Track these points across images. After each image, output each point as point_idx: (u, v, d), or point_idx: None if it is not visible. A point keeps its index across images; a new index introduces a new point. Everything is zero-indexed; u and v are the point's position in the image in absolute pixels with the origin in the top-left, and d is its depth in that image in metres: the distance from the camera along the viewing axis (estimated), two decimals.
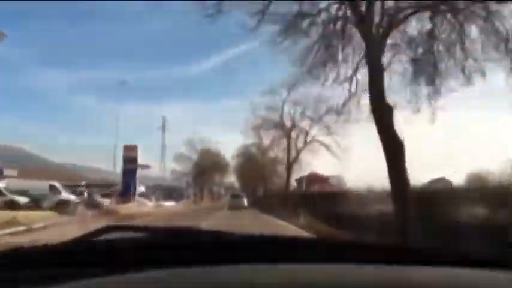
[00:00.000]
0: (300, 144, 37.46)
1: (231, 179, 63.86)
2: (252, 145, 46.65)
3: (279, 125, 37.84)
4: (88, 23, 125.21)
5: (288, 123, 37.48)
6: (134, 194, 37.63)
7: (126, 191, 36.55)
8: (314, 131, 36.46)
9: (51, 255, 0.99)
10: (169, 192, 56.27)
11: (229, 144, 70.64)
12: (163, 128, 59.76)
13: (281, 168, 43.33)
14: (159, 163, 59.07)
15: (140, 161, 40.82)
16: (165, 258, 0.92)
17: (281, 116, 37.48)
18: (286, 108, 36.86)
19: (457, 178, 22.61)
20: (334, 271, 0.86)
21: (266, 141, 43.54)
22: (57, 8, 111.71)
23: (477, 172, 21.98)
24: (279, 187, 41.76)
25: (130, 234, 1.07)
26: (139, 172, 40.83)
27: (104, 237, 1.08)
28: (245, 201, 37.52)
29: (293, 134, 37.63)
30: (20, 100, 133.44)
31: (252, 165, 48.13)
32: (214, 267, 0.84)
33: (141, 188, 58.90)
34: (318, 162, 40.12)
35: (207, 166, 57.32)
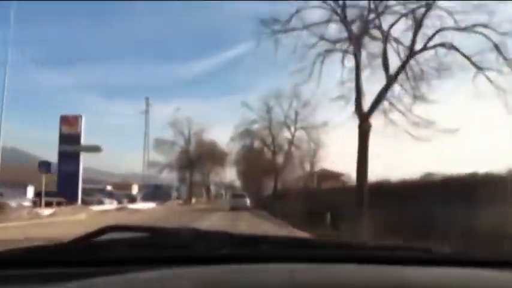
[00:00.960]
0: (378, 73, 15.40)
1: (232, 175, 51.40)
2: (257, 121, 34.79)
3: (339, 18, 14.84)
4: (89, 22, 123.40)
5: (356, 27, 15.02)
6: (76, 191, 24.50)
7: (63, 186, 23.75)
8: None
9: (51, 255, 1.02)
10: (154, 191, 45.88)
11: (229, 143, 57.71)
12: (147, 112, 46.92)
13: (298, 155, 31.44)
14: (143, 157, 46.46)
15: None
16: (165, 258, 0.96)
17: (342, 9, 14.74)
18: None
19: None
20: (333, 271, 0.87)
21: (279, 117, 31.42)
22: (56, 8, 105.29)
23: None
24: (296, 184, 30.82)
25: (130, 234, 1.08)
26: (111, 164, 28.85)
27: (104, 237, 1.08)
28: (248, 202, 32.82)
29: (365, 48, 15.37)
30: (18, 99, 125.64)
31: (257, 154, 36.68)
32: (214, 267, 0.86)
33: (134, 188, 47.20)
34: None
35: (197, 154, 44.03)
